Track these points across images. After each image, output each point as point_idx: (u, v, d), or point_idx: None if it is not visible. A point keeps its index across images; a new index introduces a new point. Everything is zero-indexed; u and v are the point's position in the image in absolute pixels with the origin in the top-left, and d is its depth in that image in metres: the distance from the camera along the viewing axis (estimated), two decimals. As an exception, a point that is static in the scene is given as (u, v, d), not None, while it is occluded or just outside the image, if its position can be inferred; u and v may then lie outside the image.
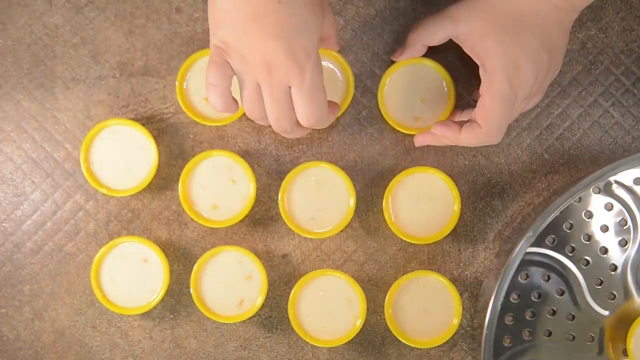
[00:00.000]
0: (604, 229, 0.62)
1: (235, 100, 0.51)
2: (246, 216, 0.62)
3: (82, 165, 0.62)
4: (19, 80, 0.63)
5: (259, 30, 0.47)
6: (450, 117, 0.62)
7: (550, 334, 0.62)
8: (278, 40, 0.47)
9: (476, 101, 0.55)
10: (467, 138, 0.54)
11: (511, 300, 0.62)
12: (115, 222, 0.63)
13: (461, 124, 0.55)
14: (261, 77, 0.49)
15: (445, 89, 0.62)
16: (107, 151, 0.62)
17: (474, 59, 0.54)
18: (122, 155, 0.62)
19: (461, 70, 0.63)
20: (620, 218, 0.62)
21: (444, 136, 0.56)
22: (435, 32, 0.56)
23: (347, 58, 0.63)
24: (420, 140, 0.61)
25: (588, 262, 0.62)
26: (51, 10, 0.63)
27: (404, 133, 0.63)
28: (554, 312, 0.62)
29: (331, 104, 0.54)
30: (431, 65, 0.62)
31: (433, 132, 0.57)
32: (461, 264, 0.63)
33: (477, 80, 0.54)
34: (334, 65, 0.63)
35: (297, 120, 0.51)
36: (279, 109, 0.50)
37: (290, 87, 0.49)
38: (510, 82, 0.52)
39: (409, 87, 0.62)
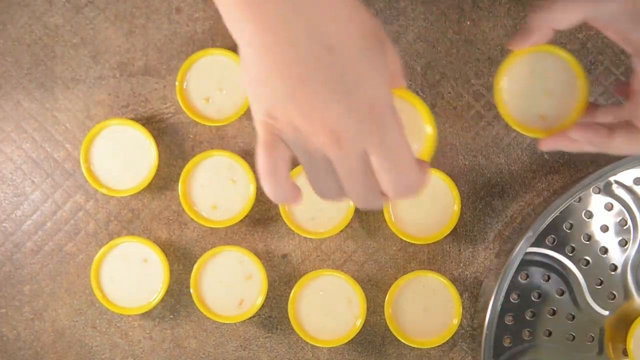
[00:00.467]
0: (604, 229, 0.62)
1: (297, 187, 0.42)
2: (246, 216, 0.62)
3: (82, 165, 0.62)
4: (19, 80, 0.63)
5: (312, 93, 0.37)
6: (587, 118, 0.52)
7: (550, 334, 0.62)
8: (339, 100, 0.37)
9: (619, 99, 0.48)
10: (622, 145, 0.46)
11: (511, 300, 0.62)
12: (115, 222, 0.63)
13: (608, 126, 0.47)
14: (328, 149, 0.38)
15: (576, 82, 0.52)
16: (107, 151, 0.62)
17: (622, 45, 0.45)
18: (122, 155, 0.62)
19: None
20: (620, 218, 0.62)
21: (590, 142, 0.47)
22: (568, 12, 0.45)
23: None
24: (550, 145, 0.51)
25: (588, 262, 0.62)
26: (51, 10, 0.63)
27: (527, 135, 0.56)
28: (554, 312, 0.62)
29: (420, 163, 0.41)
30: (558, 53, 0.53)
31: (572, 136, 0.48)
32: (461, 264, 0.63)
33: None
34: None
35: (380, 190, 0.40)
36: (360, 183, 0.40)
37: (366, 153, 0.39)
38: None
39: (532, 81, 0.53)
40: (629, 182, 0.62)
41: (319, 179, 0.41)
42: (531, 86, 0.53)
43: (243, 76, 0.39)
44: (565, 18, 0.45)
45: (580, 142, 0.48)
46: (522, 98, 0.53)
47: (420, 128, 0.47)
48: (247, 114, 0.63)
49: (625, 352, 0.61)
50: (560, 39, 0.63)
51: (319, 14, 0.36)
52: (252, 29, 0.37)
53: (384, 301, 0.62)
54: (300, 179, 0.61)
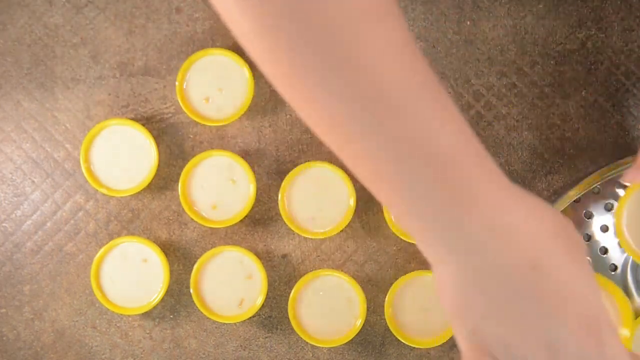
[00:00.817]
0: (604, 229, 0.62)
1: None
2: (246, 216, 0.62)
3: (82, 165, 0.62)
4: (19, 80, 0.63)
5: (522, 311, 0.37)
6: None
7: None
8: (551, 315, 0.36)
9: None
10: None
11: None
12: (115, 222, 0.63)
13: None
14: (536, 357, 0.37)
15: None
16: (107, 151, 0.62)
17: None
18: (122, 155, 0.62)
19: None
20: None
21: None
22: None
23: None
24: (630, 178, 0.53)
25: (588, 262, 0.62)
26: (51, 10, 0.63)
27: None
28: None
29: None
30: None
31: None
32: (461, 264, 0.63)
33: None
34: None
35: None
36: None
37: None
38: None
39: None
40: (629, 182, 0.62)
41: None
42: None
43: (441, 294, 0.39)
44: None
45: None
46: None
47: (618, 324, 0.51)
48: (247, 114, 0.63)
49: (625, 352, 0.61)
50: (560, 39, 0.63)
51: (520, 236, 0.37)
52: (451, 255, 0.38)
53: (384, 301, 0.62)
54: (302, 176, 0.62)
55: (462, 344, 0.39)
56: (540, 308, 0.37)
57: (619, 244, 0.54)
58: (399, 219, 0.40)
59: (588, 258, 0.40)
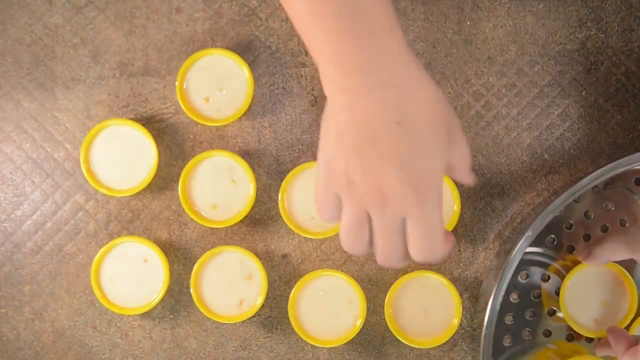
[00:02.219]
0: (604, 229, 0.62)
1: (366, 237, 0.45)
2: (246, 216, 0.62)
3: (82, 165, 0.62)
4: (19, 80, 0.63)
5: (375, 155, 0.42)
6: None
7: (550, 333, 0.62)
8: (396, 168, 0.42)
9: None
10: None
11: (511, 300, 0.62)
12: (115, 222, 0.63)
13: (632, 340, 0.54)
14: (372, 207, 0.43)
15: (628, 295, 0.61)
16: (107, 151, 0.62)
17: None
18: (122, 155, 0.62)
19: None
20: (620, 218, 0.62)
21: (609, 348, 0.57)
22: (616, 255, 0.58)
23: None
24: (600, 351, 0.60)
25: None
26: (51, 10, 0.63)
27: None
28: (553, 312, 0.62)
29: (446, 235, 0.46)
30: (615, 269, 0.61)
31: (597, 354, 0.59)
32: (461, 264, 0.63)
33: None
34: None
35: (406, 252, 0.45)
36: (391, 243, 0.44)
37: (404, 218, 0.43)
38: None
39: (590, 289, 0.61)
40: (629, 182, 0.62)
41: (352, 231, 0.45)
42: (589, 294, 0.61)
43: (324, 123, 0.45)
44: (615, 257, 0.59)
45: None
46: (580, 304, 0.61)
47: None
48: (247, 114, 0.63)
49: (625, 352, 0.61)
50: (560, 39, 0.63)
51: (402, 94, 0.42)
52: (342, 95, 0.43)
53: (383, 301, 0.62)
54: (305, 177, 0.62)
55: (318, 168, 0.45)
56: (391, 158, 0.42)
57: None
58: (321, 52, 0.43)
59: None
